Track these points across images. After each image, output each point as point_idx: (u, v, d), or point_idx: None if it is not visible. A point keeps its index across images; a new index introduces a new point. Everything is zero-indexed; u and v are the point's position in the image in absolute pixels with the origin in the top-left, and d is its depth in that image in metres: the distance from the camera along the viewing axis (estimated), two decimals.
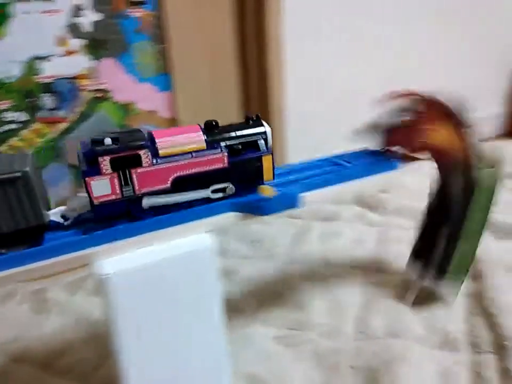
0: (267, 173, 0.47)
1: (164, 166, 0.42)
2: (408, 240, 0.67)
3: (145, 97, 0.82)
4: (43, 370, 0.58)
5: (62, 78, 0.75)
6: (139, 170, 0.41)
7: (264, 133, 0.47)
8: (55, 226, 0.43)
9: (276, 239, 0.83)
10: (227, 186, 0.46)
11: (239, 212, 0.46)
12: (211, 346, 0.45)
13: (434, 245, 0.60)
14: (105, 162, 0.40)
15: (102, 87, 0.78)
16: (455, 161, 0.56)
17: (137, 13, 0.78)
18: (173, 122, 0.85)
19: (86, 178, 0.40)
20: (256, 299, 0.67)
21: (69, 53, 0.74)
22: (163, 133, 0.44)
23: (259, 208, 0.45)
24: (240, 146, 0.45)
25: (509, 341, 0.55)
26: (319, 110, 1.02)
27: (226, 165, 0.45)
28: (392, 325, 0.61)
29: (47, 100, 0.75)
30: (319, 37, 0.97)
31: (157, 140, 0.43)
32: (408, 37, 1.10)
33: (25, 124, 0.74)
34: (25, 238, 0.40)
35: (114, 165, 0.40)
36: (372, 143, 0.58)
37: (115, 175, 0.41)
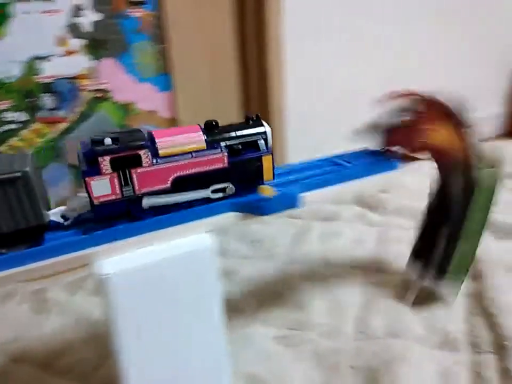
0: (267, 173, 0.47)
1: (164, 166, 0.42)
2: (408, 240, 0.67)
3: (145, 97, 0.82)
4: (43, 370, 0.58)
5: (62, 78, 0.75)
6: (139, 170, 0.41)
7: (264, 133, 0.47)
8: (55, 226, 0.43)
9: (276, 239, 0.83)
10: (227, 186, 0.46)
11: (239, 212, 0.46)
12: (211, 346, 0.45)
13: (434, 245, 0.60)
14: (105, 162, 0.40)
15: (102, 87, 0.78)
16: (455, 161, 0.56)
17: (137, 13, 0.78)
18: (173, 122, 0.85)
19: (86, 178, 0.40)
20: (256, 299, 0.67)
21: (69, 53, 0.74)
22: (163, 133, 0.44)
23: (259, 208, 0.45)
24: (240, 146, 0.45)
25: (509, 341, 0.55)
26: (319, 110, 1.02)
27: (226, 165, 0.45)
28: (392, 325, 0.61)
29: (47, 100, 0.75)
30: (319, 37, 0.97)
31: (157, 140, 0.43)
32: (408, 37, 1.10)
33: (25, 124, 0.74)
34: (25, 238, 0.40)
35: (114, 165, 0.40)
36: (372, 143, 0.58)
37: (115, 175, 0.41)
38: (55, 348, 0.62)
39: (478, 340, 0.57)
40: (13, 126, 0.73)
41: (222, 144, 0.45)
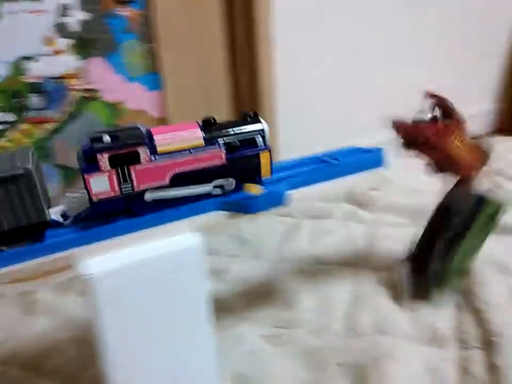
0: (265, 169, 0.48)
1: (162, 163, 0.43)
2: (399, 237, 0.67)
3: (134, 97, 0.82)
4: (32, 371, 0.58)
5: (50, 78, 0.74)
6: (137, 167, 0.42)
7: (262, 130, 0.47)
8: (55, 224, 0.43)
9: (266, 238, 0.83)
10: (229, 181, 0.46)
11: (226, 210, 0.46)
12: (199, 346, 0.45)
13: (431, 250, 0.61)
14: (103, 160, 0.40)
15: (90, 86, 0.77)
16: (469, 175, 0.58)
17: (125, 12, 0.77)
18: (162, 121, 0.85)
19: (85, 175, 0.40)
20: (245, 298, 0.67)
21: (57, 52, 0.74)
22: (161, 130, 0.44)
23: (246, 207, 0.46)
24: (238, 143, 0.46)
25: (496, 336, 0.56)
26: (310, 109, 1.02)
27: (224, 161, 0.45)
28: (380, 321, 0.61)
29: (35, 100, 0.74)
30: (310, 36, 0.97)
31: (155, 137, 0.43)
32: (400, 35, 1.10)
33: (12, 125, 0.73)
34: (27, 235, 0.40)
35: (113, 162, 0.41)
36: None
37: (114, 172, 0.41)
38: (44, 349, 0.61)
39: (465, 336, 0.58)
40: (0, 127, 0.73)
41: (220, 141, 0.45)
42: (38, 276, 0.75)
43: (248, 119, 0.48)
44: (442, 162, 0.57)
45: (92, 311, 0.39)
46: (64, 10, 0.73)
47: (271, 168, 0.48)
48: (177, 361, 0.45)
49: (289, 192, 0.48)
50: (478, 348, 0.56)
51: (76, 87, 0.76)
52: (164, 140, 0.43)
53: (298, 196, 0.50)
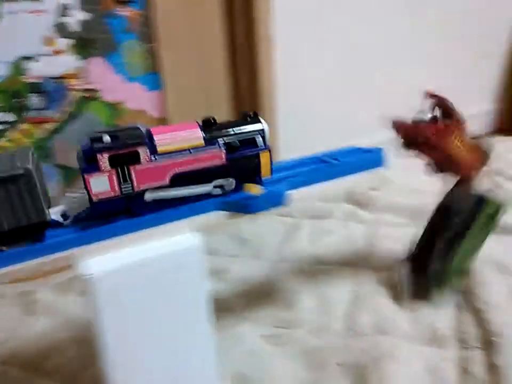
0: (265, 169, 0.48)
1: (162, 163, 0.43)
2: (399, 237, 0.67)
3: (134, 97, 0.82)
4: (32, 371, 0.58)
5: (50, 78, 0.74)
6: (137, 167, 0.42)
7: (262, 130, 0.47)
8: (55, 224, 0.43)
9: (266, 238, 0.83)
10: (229, 181, 0.46)
11: (226, 210, 0.46)
12: (199, 346, 0.45)
13: (431, 250, 0.61)
14: (103, 160, 0.40)
15: (90, 86, 0.77)
16: (469, 177, 0.59)
17: (125, 12, 0.77)
18: (162, 121, 0.85)
19: (85, 175, 0.40)
20: (245, 298, 0.67)
21: (57, 52, 0.74)
22: (161, 130, 0.44)
23: (246, 207, 0.45)
24: (238, 143, 0.46)
25: (496, 336, 0.56)
26: (310, 108, 1.02)
27: (224, 161, 0.45)
28: (380, 321, 0.61)
29: (35, 100, 0.74)
30: (310, 36, 0.97)
31: (155, 137, 0.43)
32: (399, 35, 1.10)
33: (12, 125, 0.73)
34: (27, 235, 0.40)
35: (113, 162, 0.41)
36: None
37: (114, 172, 0.41)
38: (44, 349, 0.61)
39: (465, 336, 0.58)
40: (0, 127, 0.73)
41: (220, 141, 0.45)
42: (38, 276, 0.75)
43: (248, 119, 0.48)
44: (442, 162, 0.58)
45: (91, 311, 0.39)
46: (64, 10, 0.73)
47: (271, 168, 0.48)
48: (177, 361, 0.44)
49: (289, 192, 0.48)
50: (478, 348, 0.56)
51: (76, 87, 0.76)
52: (164, 139, 0.43)
53: (298, 196, 0.50)
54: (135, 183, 0.42)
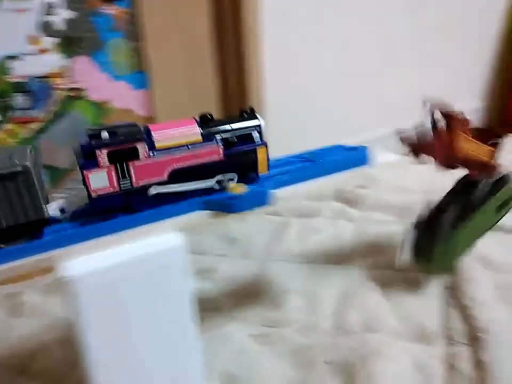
0: (262, 165, 0.48)
1: (161, 159, 0.43)
2: (388, 235, 0.67)
3: (121, 96, 0.81)
4: (19, 374, 0.58)
5: (35, 77, 0.73)
6: (136, 163, 0.42)
7: (259, 125, 0.48)
8: (53, 220, 0.43)
9: (255, 236, 0.83)
10: (230, 176, 0.47)
11: (210, 209, 0.46)
12: (184, 346, 0.45)
13: (442, 216, 0.63)
14: (102, 155, 0.40)
15: (76, 85, 0.77)
16: (482, 169, 0.61)
17: (111, 10, 0.77)
18: (149, 120, 0.84)
19: (84, 171, 0.40)
20: (234, 297, 0.67)
21: (42, 51, 0.73)
22: (159, 126, 0.44)
23: (229, 206, 0.45)
24: (235, 139, 0.46)
25: (482, 332, 0.56)
26: (299, 106, 1.02)
27: (222, 157, 0.46)
28: (369, 319, 0.61)
29: (20, 100, 0.73)
30: (298, 32, 0.97)
31: (153, 133, 0.43)
32: (387, 33, 1.11)
33: None
34: (25, 233, 0.40)
35: (112, 158, 0.41)
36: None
37: (112, 168, 0.41)
38: (31, 351, 0.61)
39: (452, 332, 0.58)
40: None
41: (218, 136, 0.46)
42: (24, 277, 0.74)
43: (245, 115, 0.48)
44: (457, 163, 0.60)
45: (73, 312, 0.39)
46: (49, 8, 0.72)
47: (268, 164, 0.49)
48: (161, 362, 0.44)
49: (273, 191, 0.48)
50: (465, 344, 0.56)
51: (61, 86, 0.76)
52: (162, 136, 0.43)
53: (285, 195, 0.50)
54: (134, 179, 0.42)
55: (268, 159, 0.49)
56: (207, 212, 0.46)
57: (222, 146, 0.46)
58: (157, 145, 0.43)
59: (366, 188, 0.94)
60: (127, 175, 0.42)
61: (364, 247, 0.77)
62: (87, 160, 0.40)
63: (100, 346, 0.40)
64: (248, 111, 0.49)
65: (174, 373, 0.45)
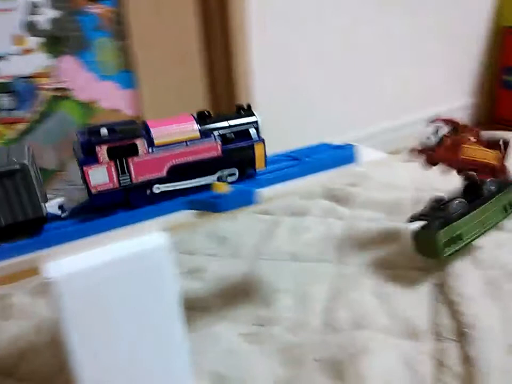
0: (259, 161, 0.49)
1: (160, 155, 0.43)
2: (377, 232, 0.67)
3: (108, 95, 0.81)
4: (7, 376, 0.57)
5: (20, 78, 0.73)
6: (136, 159, 0.42)
7: (256, 122, 0.48)
8: (52, 218, 0.43)
9: (244, 236, 0.83)
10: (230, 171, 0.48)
11: (195, 209, 0.46)
12: (170, 346, 0.45)
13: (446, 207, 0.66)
14: (102, 152, 0.40)
15: (62, 85, 0.76)
16: (492, 172, 0.67)
17: (96, 9, 0.76)
18: (137, 120, 0.84)
19: (84, 167, 0.40)
20: (224, 296, 0.67)
21: (27, 51, 0.72)
22: (157, 123, 0.44)
23: (214, 205, 0.45)
24: (232, 135, 0.47)
25: (469, 328, 0.56)
26: (288, 105, 1.02)
27: (220, 153, 0.46)
28: (358, 316, 0.61)
29: (5, 101, 0.73)
30: (287, 31, 0.97)
31: (151, 130, 0.43)
32: (376, 30, 1.11)
33: None
34: (24, 231, 0.40)
35: (111, 154, 0.41)
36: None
37: (112, 164, 0.41)
38: (19, 353, 0.60)
39: (440, 328, 0.58)
40: None
41: (215, 133, 0.46)
42: (13, 278, 0.74)
43: (242, 111, 0.49)
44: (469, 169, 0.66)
45: (58, 313, 0.38)
46: (33, 8, 0.71)
47: (265, 160, 0.49)
48: (148, 362, 0.44)
49: (259, 190, 0.48)
50: (453, 340, 0.56)
51: (47, 86, 0.75)
52: (161, 132, 0.44)
53: (271, 194, 0.50)
54: (133, 175, 0.43)
55: (265, 156, 0.49)
56: (192, 211, 0.46)
57: (220, 143, 0.46)
58: (156, 141, 0.43)
59: (355, 186, 0.95)
60: (126, 171, 0.42)
61: (354, 245, 0.77)
62: (87, 156, 0.41)
63: (85, 347, 0.40)
64: (245, 107, 0.49)
65: (160, 372, 0.45)
